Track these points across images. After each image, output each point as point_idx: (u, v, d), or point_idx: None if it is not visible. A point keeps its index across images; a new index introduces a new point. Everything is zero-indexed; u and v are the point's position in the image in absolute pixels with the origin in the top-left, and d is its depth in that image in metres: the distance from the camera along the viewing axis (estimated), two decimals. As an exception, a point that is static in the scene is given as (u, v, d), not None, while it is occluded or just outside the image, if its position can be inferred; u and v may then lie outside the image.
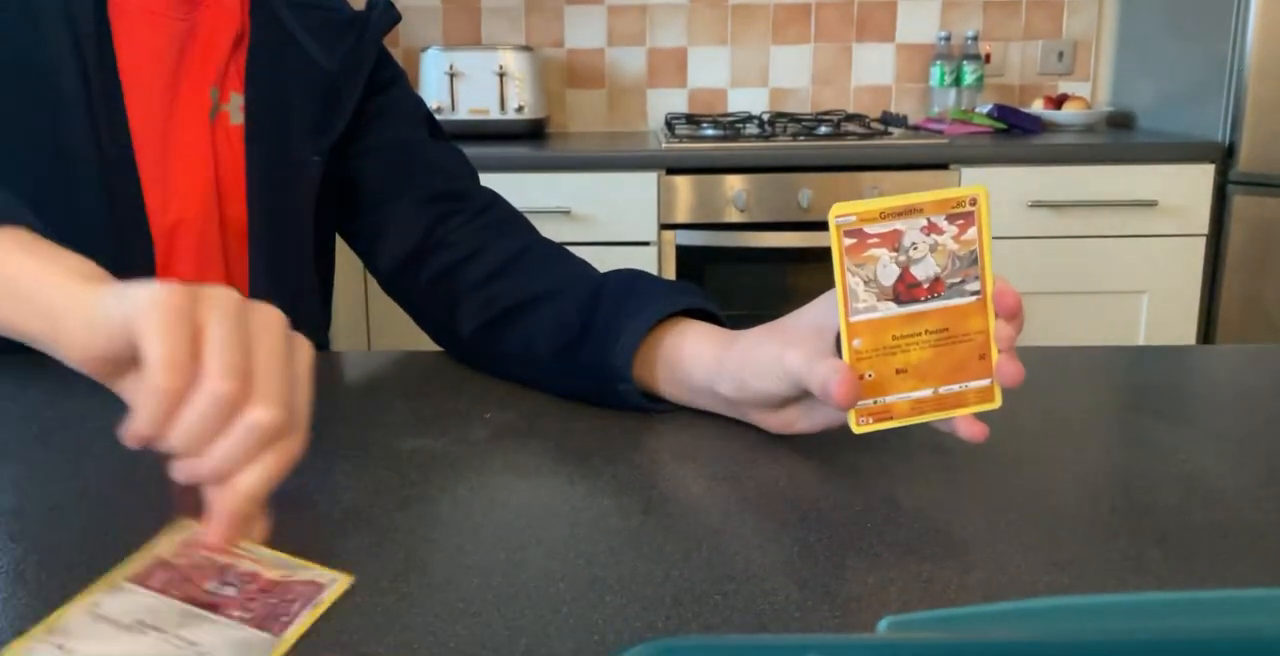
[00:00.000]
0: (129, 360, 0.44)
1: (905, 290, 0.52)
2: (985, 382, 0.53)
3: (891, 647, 0.30)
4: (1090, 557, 0.46)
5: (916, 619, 0.31)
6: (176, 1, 0.79)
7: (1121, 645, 0.29)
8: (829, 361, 0.52)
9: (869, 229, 0.52)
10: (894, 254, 0.52)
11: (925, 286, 0.52)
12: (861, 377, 0.53)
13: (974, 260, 0.53)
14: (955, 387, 0.53)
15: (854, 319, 0.53)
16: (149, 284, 0.43)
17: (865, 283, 0.52)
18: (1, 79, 0.73)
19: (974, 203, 0.52)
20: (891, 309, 0.52)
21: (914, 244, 0.52)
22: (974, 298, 0.53)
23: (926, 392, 0.53)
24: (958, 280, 0.53)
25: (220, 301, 0.43)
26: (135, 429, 0.42)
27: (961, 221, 0.52)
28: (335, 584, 0.43)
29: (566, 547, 0.47)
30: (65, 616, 0.40)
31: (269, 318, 0.45)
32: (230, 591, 0.42)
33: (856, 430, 0.53)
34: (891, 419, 0.53)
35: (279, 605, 0.41)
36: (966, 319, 0.53)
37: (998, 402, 0.53)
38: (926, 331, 0.53)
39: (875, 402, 0.53)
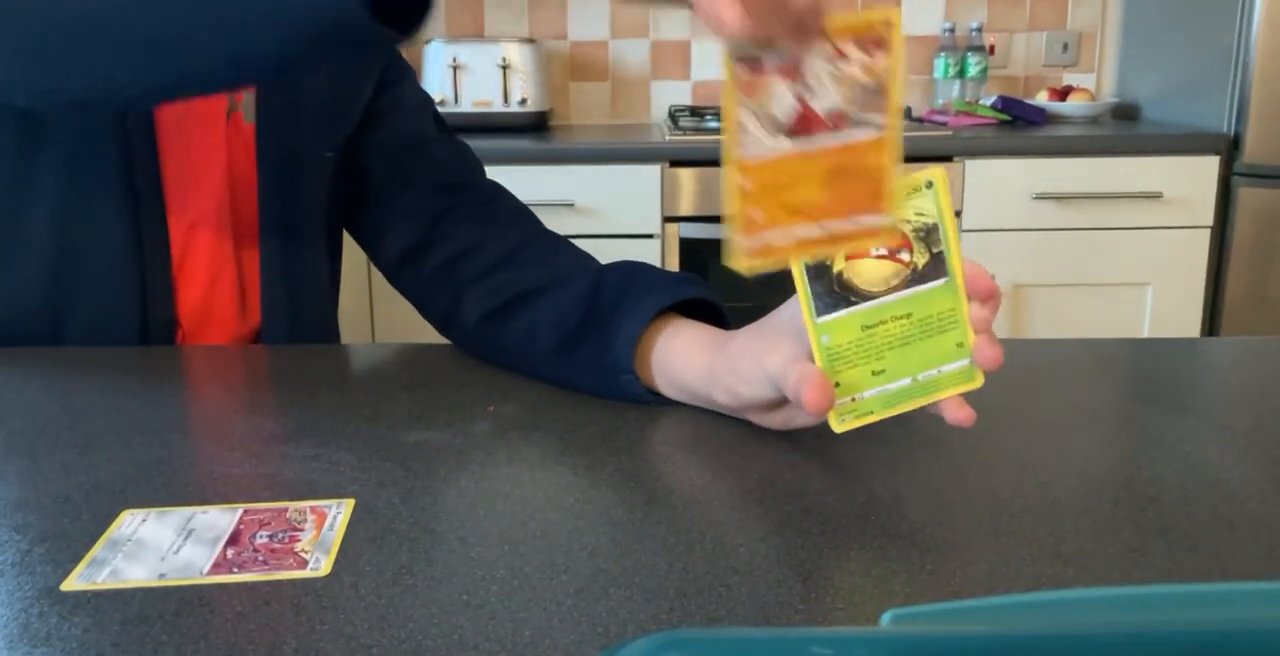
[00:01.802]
0: None
1: (800, 123, 0.49)
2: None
3: (895, 640, 0.30)
4: (1094, 550, 0.46)
5: (920, 611, 0.31)
6: None
7: (1126, 638, 0.29)
8: (800, 367, 0.52)
9: (767, 60, 0.49)
10: (793, 84, 0.49)
11: (826, 119, 0.49)
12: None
13: (881, 91, 0.49)
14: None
15: (746, 156, 0.50)
16: None
17: (758, 117, 0.49)
18: None
19: (888, 26, 0.48)
20: (785, 145, 0.49)
21: (815, 74, 0.48)
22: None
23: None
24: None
25: None
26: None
27: (872, 48, 0.48)
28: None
29: (570, 540, 0.47)
30: None
31: None
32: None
33: (837, 429, 0.53)
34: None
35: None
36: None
37: (979, 382, 0.52)
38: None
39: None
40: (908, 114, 2.45)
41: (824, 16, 0.47)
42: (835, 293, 0.51)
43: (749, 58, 0.48)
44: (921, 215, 0.51)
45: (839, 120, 0.48)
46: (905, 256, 0.51)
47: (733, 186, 0.50)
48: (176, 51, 0.56)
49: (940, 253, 0.51)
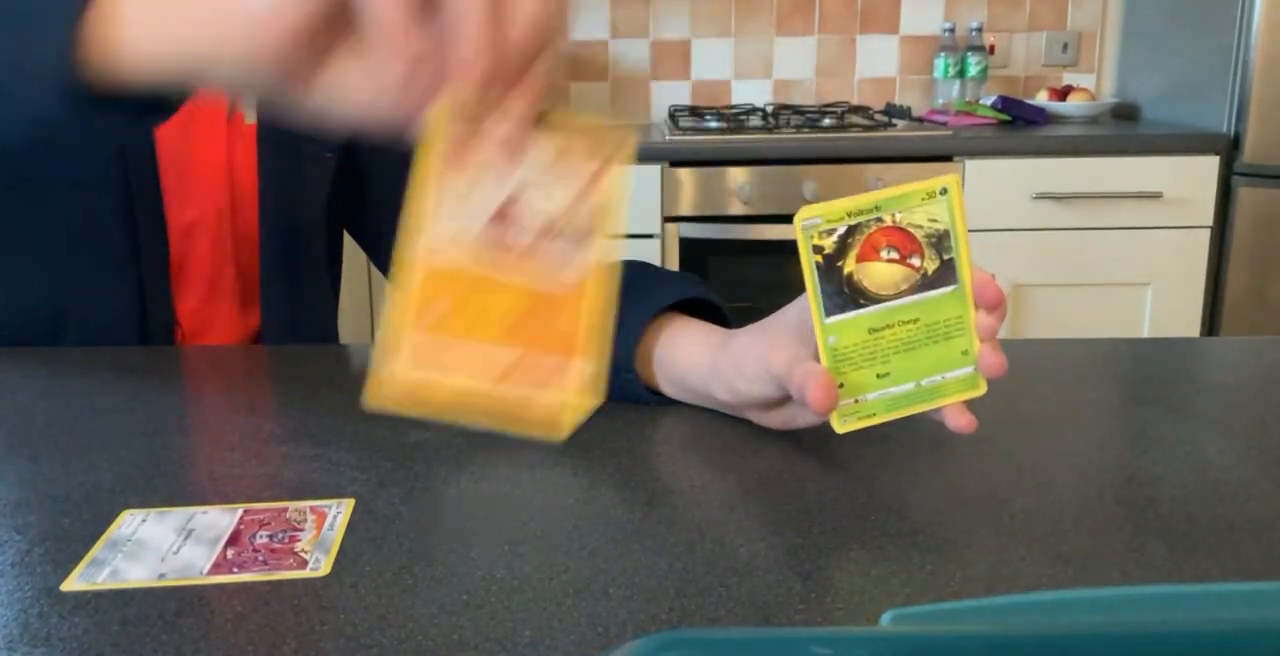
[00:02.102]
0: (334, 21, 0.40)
1: (497, 227, 0.45)
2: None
3: (895, 640, 0.30)
4: (1094, 550, 0.46)
5: (920, 611, 0.31)
6: None
7: (1126, 638, 0.29)
8: (806, 366, 0.52)
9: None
10: (506, 174, 0.45)
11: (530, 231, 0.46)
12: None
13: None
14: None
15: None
16: None
17: (453, 202, 0.43)
18: None
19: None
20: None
21: (538, 169, 0.44)
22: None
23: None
24: (933, 270, 0.51)
25: None
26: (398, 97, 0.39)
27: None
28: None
29: (570, 540, 0.47)
30: None
31: None
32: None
33: (839, 430, 0.53)
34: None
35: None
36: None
37: (982, 390, 0.52)
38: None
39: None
40: (906, 114, 2.45)
41: (541, 59, 0.41)
42: (844, 294, 0.51)
43: (470, 116, 0.41)
44: (935, 221, 0.51)
45: (545, 236, 0.41)
46: (916, 261, 0.51)
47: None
48: None
49: (951, 259, 0.51)
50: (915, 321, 0.52)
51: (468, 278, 0.40)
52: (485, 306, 0.40)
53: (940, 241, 0.51)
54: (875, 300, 0.52)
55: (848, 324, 0.52)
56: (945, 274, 0.51)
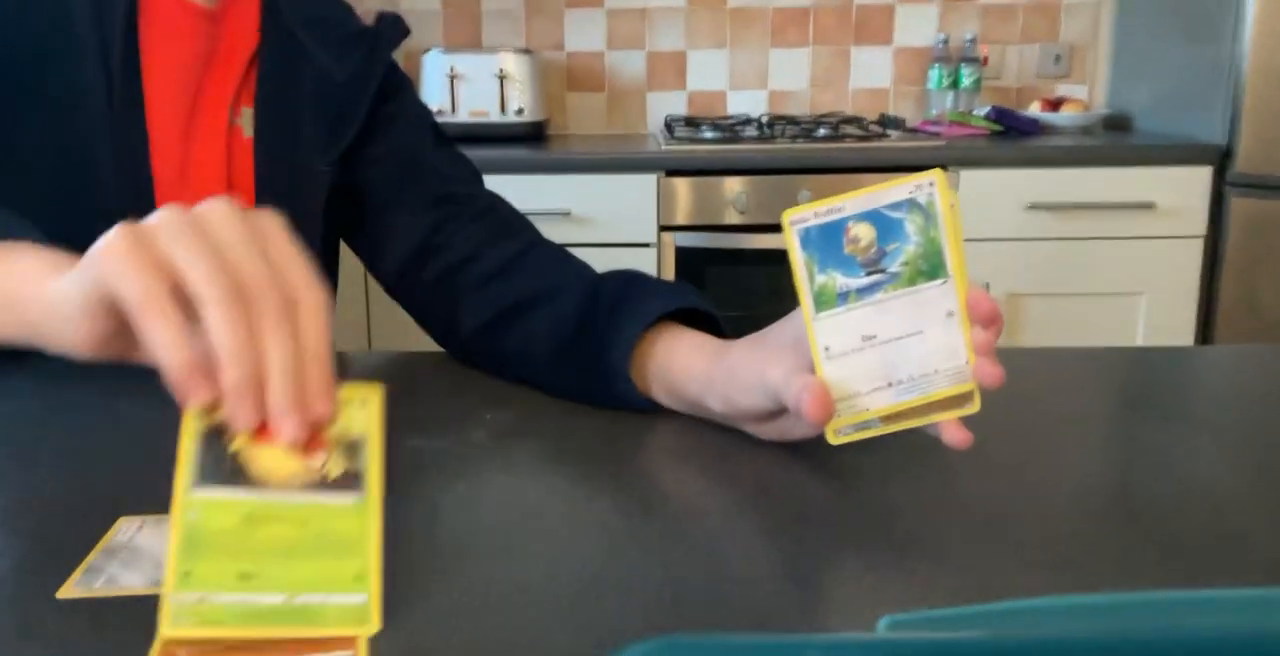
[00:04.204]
0: (125, 328, 0.42)
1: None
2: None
3: (890, 646, 0.30)
4: (1087, 557, 0.46)
5: (915, 618, 0.31)
6: (201, 15, 0.79)
7: (1118, 644, 0.30)
8: (801, 378, 0.52)
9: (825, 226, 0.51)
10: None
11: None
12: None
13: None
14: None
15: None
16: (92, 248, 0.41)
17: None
18: (28, 89, 0.73)
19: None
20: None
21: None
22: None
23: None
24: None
25: (170, 223, 0.41)
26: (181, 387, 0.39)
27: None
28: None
29: (566, 547, 0.47)
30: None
31: (217, 214, 0.41)
32: None
33: (833, 441, 0.53)
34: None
35: None
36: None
37: (976, 407, 0.52)
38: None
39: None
40: (900, 125, 2.46)
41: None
42: (224, 468, 0.41)
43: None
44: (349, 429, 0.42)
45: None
46: (318, 461, 0.42)
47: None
48: None
49: (357, 474, 0.42)
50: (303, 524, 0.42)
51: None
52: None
53: (353, 449, 0.42)
54: (256, 487, 0.41)
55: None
56: (348, 484, 0.42)
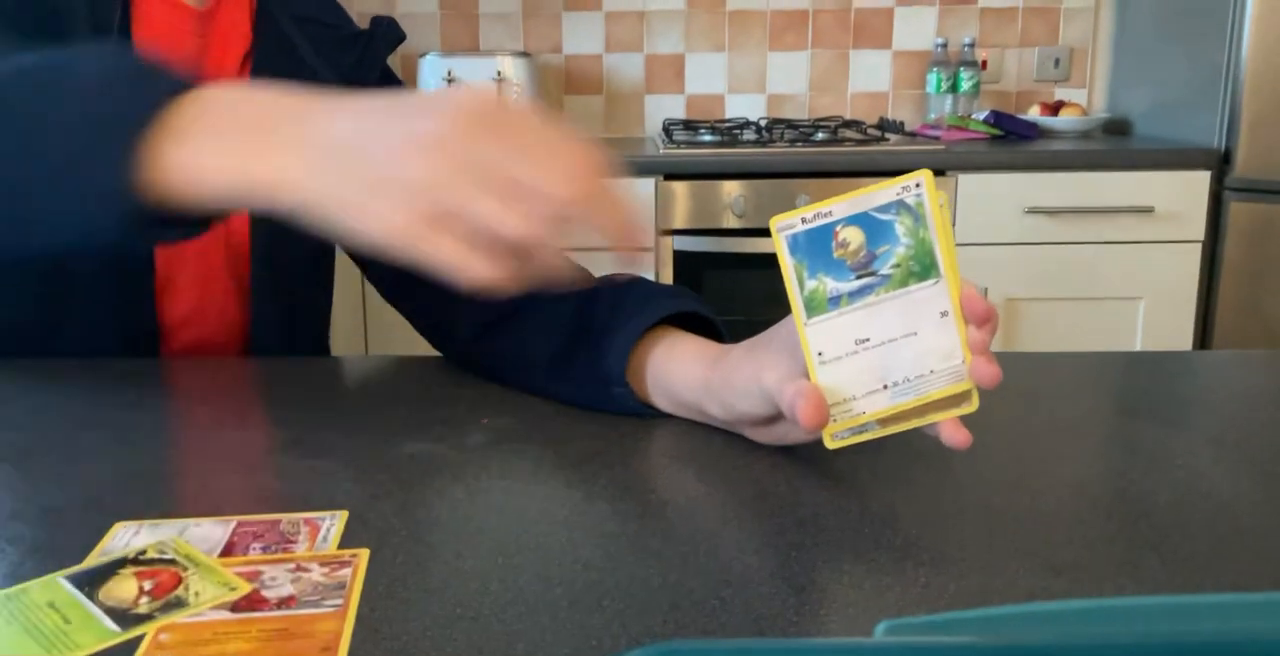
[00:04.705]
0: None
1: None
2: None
3: (888, 652, 0.30)
4: (1086, 562, 0.46)
5: (913, 623, 0.31)
6: (193, 15, 0.79)
7: (1118, 649, 0.29)
8: (795, 384, 0.52)
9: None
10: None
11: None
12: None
13: (926, 249, 0.51)
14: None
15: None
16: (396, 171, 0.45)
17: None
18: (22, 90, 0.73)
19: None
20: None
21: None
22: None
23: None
24: (915, 270, 0.51)
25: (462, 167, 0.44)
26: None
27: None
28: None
29: (563, 552, 0.47)
30: None
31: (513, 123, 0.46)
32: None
33: (831, 446, 0.53)
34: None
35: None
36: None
37: (975, 406, 0.52)
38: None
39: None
40: (899, 129, 2.46)
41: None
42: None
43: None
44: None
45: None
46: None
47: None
48: None
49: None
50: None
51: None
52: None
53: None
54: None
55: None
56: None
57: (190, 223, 0.51)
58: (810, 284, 0.52)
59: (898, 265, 0.51)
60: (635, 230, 0.49)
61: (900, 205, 0.51)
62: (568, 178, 0.46)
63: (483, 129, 0.45)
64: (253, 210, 0.50)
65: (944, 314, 0.51)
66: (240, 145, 0.48)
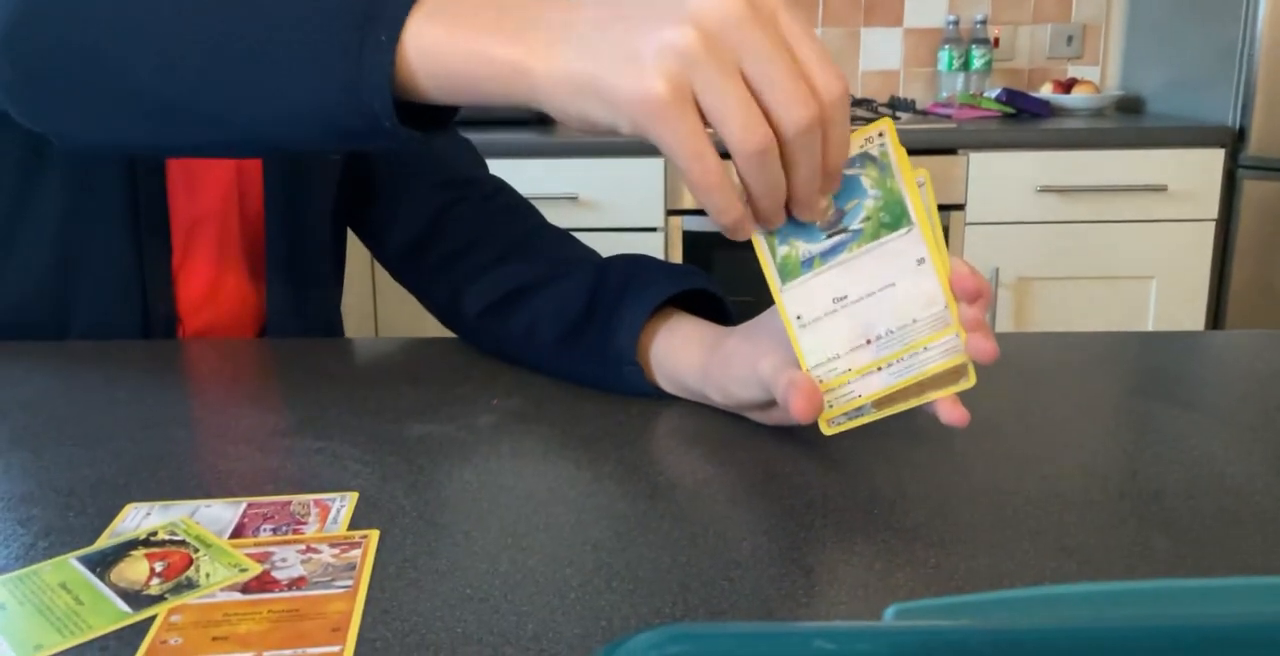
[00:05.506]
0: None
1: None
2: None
3: (898, 634, 0.30)
4: (1098, 544, 0.45)
5: (923, 606, 0.31)
6: None
7: (1129, 632, 0.29)
8: (788, 374, 0.52)
9: None
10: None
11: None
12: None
13: (895, 199, 0.50)
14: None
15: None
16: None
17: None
18: None
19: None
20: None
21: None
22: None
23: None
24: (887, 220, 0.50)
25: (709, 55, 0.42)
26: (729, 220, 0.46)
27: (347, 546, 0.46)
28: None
29: (573, 533, 0.47)
30: None
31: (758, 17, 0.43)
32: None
33: (827, 432, 0.53)
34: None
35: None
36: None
37: (972, 381, 0.51)
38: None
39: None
40: (911, 107, 2.44)
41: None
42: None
43: None
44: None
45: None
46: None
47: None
48: (210, 128, 0.54)
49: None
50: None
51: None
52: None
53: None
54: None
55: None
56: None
57: (419, 115, 0.50)
58: (782, 250, 0.51)
59: (868, 218, 0.50)
60: (829, 186, 0.48)
61: (865, 157, 0.50)
62: (827, 84, 0.44)
63: (742, 15, 0.43)
64: (482, 102, 0.48)
65: (920, 261, 0.50)
66: (484, 27, 0.47)
